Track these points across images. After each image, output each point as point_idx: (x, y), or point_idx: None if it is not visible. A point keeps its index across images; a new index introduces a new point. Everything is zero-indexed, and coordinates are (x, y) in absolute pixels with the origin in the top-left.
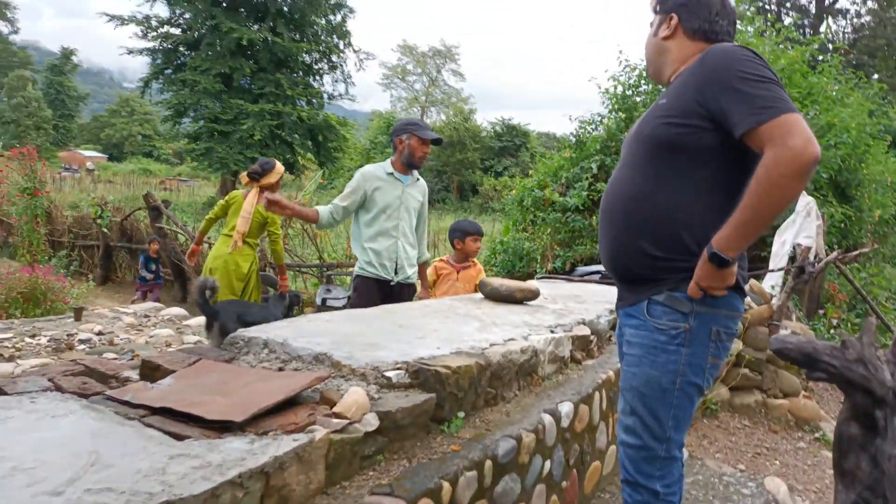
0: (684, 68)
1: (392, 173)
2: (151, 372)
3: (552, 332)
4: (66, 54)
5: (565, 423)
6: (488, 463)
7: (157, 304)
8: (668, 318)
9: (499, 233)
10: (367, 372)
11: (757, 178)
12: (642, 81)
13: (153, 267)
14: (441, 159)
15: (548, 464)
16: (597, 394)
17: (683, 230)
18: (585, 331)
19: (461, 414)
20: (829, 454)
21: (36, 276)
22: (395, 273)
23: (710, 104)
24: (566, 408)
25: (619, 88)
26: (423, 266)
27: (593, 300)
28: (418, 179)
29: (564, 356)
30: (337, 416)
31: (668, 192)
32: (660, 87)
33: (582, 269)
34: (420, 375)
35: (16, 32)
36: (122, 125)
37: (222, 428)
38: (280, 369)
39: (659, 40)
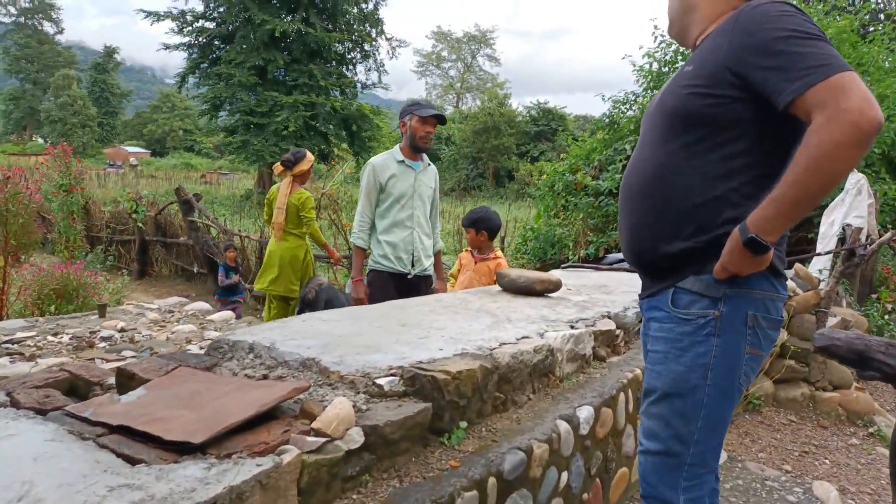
0: (713, 28)
1: (403, 161)
2: (127, 381)
3: (572, 327)
4: (109, 52)
5: (584, 429)
6: (492, 480)
7: (182, 299)
8: (695, 306)
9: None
10: (356, 379)
11: (806, 146)
12: (679, 57)
13: (233, 277)
14: (476, 145)
15: (564, 475)
16: (622, 394)
17: (711, 216)
18: (610, 325)
19: (464, 424)
20: (885, 451)
21: (68, 273)
22: (413, 266)
23: (745, 69)
24: (585, 412)
25: (655, 65)
26: (437, 256)
27: (621, 290)
28: (429, 165)
29: (586, 353)
30: (316, 432)
31: (694, 171)
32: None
33: (612, 256)
34: (415, 382)
35: (60, 33)
36: (163, 121)
37: (182, 450)
38: (264, 376)
39: None
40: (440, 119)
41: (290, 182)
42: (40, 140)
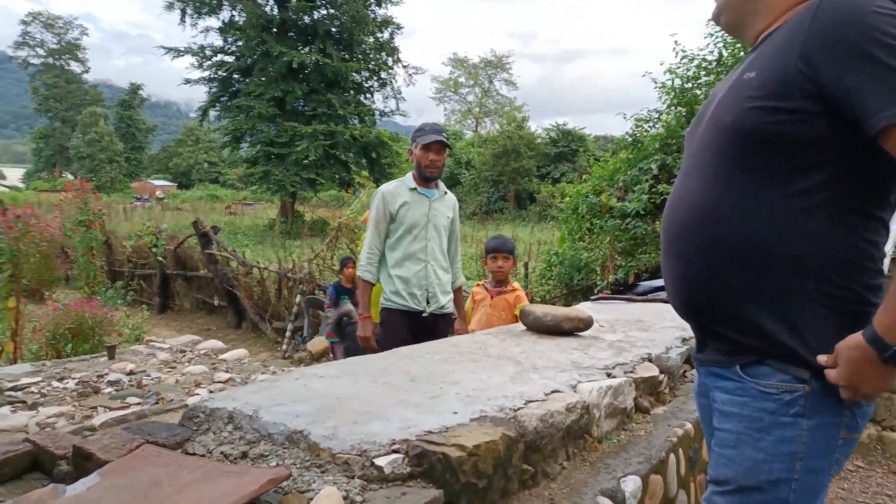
0: (782, 23)
1: (415, 188)
2: (83, 462)
3: (609, 375)
4: (134, 89)
5: None
6: None
7: (195, 338)
8: (777, 377)
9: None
10: (351, 458)
11: None
12: (702, 72)
13: (346, 303)
14: (496, 169)
15: None
16: (672, 456)
17: (790, 268)
18: (652, 370)
19: None
20: None
21: (84, 311)
22: (428, 303)
23: (827, 79)
24: (631, 484)
25: (678, 81)
26: (457, 292)
27: (660, 326)
28: (446, 193)
29: (627, 407)
30: None
31: (762, 208)
32: (725, 60)
33: (646, 284)
34: (423, 461)
35: (87, 72)
36: (188, 154)
37: None
38: (243, 454)
39: None
40: (445, 144)
41: None
42: (70, 176)
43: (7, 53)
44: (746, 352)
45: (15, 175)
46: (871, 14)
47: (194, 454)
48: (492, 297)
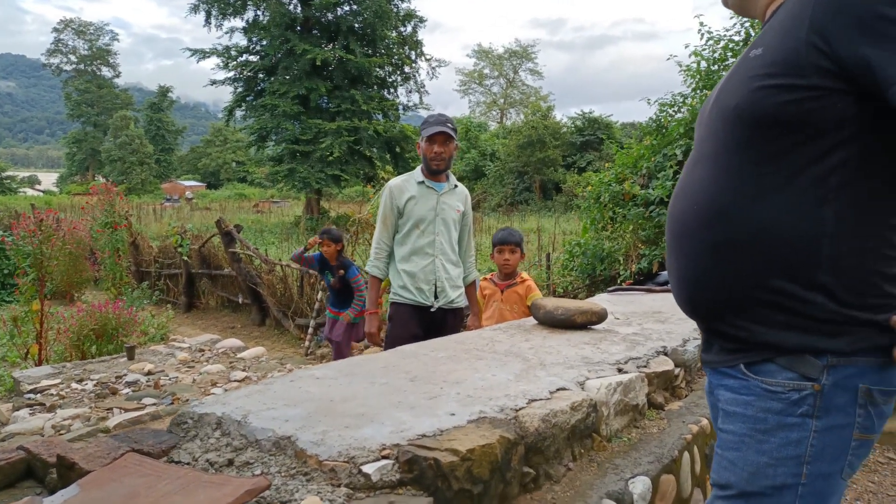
0: None
1: (423, 182)
2: (67, 472)
3: (620, 370)
4: (163, 92)
5: None
6: None
7: (214, 337)
8: (783, 375)
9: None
10: (338, 465)
11: None
12: (728, 53)
13: (330, 279)
14: (521, 160)
15: None
16: (686, 454)
17: (805, 262)
18: (667, 364)
19: None
20: None
21: (107, 312)
22: (436, 297)
23: (842, 50)
24: (640, 486)
25: (703, 64)
26: (470, 287)
27: (678, 317)
28: (456, 186)
29: (638, 403)
30: None
31: (774, 197)
32: (753, 40)
33: (665, 274)
34: (414, 467)
35: (118, 76)
36: (216, 154)
37: None
38: (229, 462)
39: None
40: (448, 135)
41: None
42: (102, 179)
43: (41, 61)
44: (753, 349)
45: (49, 179)
46: None
47: (179, 462)
48: (502, 291)
